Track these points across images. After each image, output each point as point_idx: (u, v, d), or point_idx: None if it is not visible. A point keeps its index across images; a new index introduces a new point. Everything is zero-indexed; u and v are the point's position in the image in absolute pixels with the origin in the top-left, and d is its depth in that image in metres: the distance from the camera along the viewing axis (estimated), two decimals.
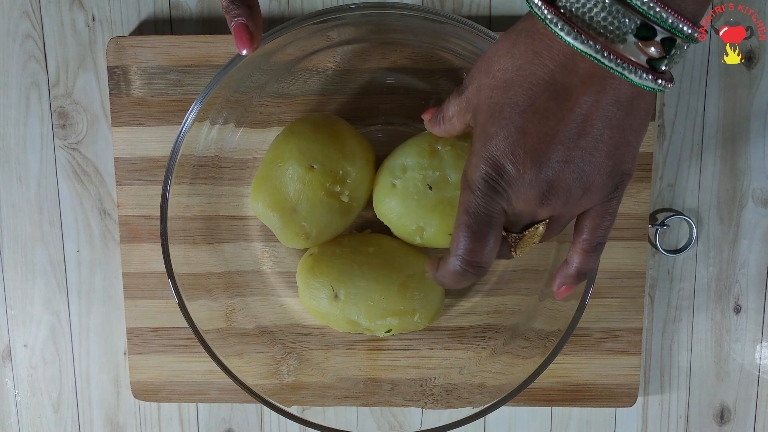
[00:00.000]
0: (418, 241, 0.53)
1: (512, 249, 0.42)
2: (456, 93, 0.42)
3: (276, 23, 0.57)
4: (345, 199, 0.52)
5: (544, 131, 0.37)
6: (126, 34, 0.58)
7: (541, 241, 0.42)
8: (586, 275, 0.43)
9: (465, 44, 0.51)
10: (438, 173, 0.51)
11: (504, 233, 0.41)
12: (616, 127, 0.37)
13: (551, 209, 0.39)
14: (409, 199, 0.51)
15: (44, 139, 0.59)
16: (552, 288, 0.44)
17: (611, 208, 0.40)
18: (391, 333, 0.54)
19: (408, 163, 0.51)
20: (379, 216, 0.53)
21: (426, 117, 0.46)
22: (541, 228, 0.41)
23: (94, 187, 0.59)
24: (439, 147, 0.51)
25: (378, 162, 0.54)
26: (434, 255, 0.57)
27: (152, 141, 0.57)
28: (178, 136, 0.50)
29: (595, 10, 0.34)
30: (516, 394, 0.51)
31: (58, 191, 0.59)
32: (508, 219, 0.40)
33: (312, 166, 0.51)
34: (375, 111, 0.56)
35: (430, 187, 0.51)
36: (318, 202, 0.51)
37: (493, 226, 0.39)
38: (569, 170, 0.37)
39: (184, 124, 0.50)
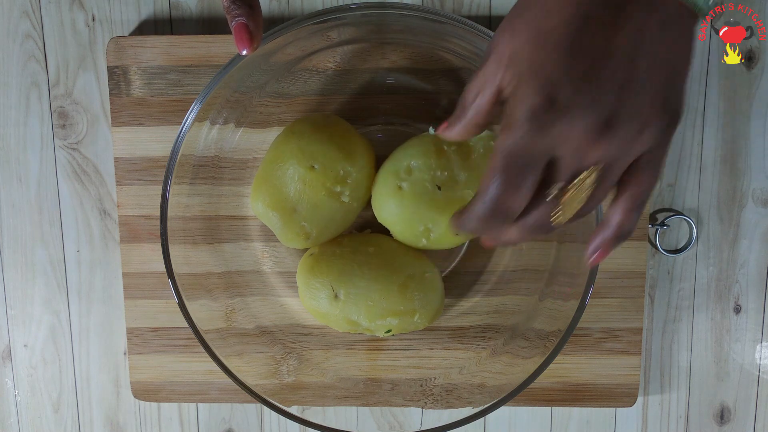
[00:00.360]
0: (423, 243, 0.53)
1: (556, 211, 0.37)
2: (477, 69, 0.37)
3: (276, 23, 0.57)
4: (345, 199, 0.52)
5: (602, 45, 0.33)
6: (126, 34, 0.58)
7: (585, 209, 0.37)
8: (625, 237, 0.38)
9: (465, 44, 0.51)
10: (446, 173, 0.51)
11: (551, 191, 0.36)
12: (666, 52, 0.34)
13: (604, 148, 0.34)
14: (418, 201, 0.51)
15: (44, 139, 0.59)
16: (585, 254, 0.39)
17: (657, 159, 0.36)
18: (391, 333, 0.54)
19: (414, 164, 0.51)
20: (380, 220, 0.53)
21: (442, 127, 0.40)
22: (592, 176, 0.35)
23: (94, 187, 0.59)
24: (445, 147, 0.51)
25: (378, 162, 0.54)
26: (435, 256, 0.57)
27: (152, 141, 0.57)
28: (178, 136, 0.50)
29: None
30: (516, 394, 0.51)
31: (58, 191, 0.59)
32: (554, 166, 0.35)
33: (313, 166, 0.51)
34: (375, 111, 0.56)
35: (439, 188, 0.51)
36: (318, 202, 0.51)
37: (531, 168, 0.35)
38: (627, 97, 0.34)
39: (184, 124, 0.50)
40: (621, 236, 0.38)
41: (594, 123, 0.34)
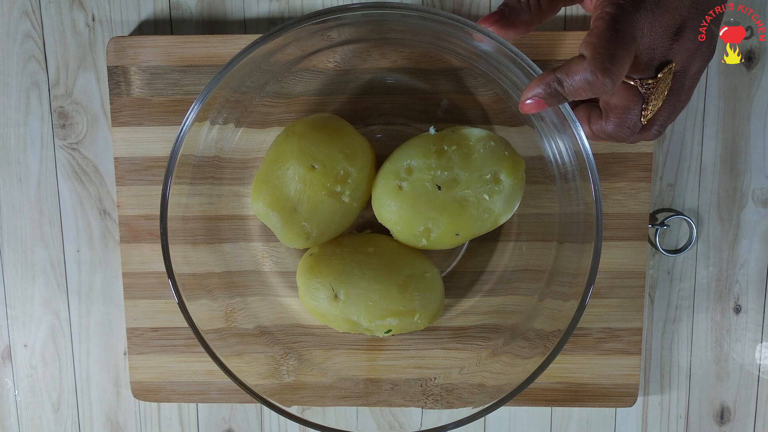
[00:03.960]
0: (423, 243, 0.53)
1: (643, 106, 0.43)
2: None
3: (276, 23, 0.57)
4: (346, 199, 0.52)
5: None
6: (126, 34, 0.58)
7: (659, 114, 0.44)
8: (615, 138, 0.45)
9: (465, 44, 0.51)
10: (447, 173, 0.51)
11: (637, 82, 0.42)
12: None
13: (679, 46, 0.41)
14: (418, 201, 0.51)
15: (44, 139, 0.59)
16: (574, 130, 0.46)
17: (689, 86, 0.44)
18: (390, 333, 0.54)
19: (414, 164, 0.51)
20: (381, 220, 0.53)
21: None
22: (668, 78, 0.42)
23: (94, 187, 0.59)
24: (446, 147, 0.51)
25: (378, 162, 0.54)
26: (435, 256, 0.57)
27: (152, 141, 0.57)
28: (178, 136, 0.50)
29: None
30: (516, 394, 0.51)
31: (58, 191, 0.59)
32: (640, 59, 0.41)
33: (313, 166, 0.51)
34: (375, 111, 0.56)
35: (439, 188, 0.51)
36: (319, 202, 0.51)
37: (630, 36, 0.40)
38: (693, 16, 0.41)
39: (184, 124, 0.50)
40: (615, 136, 0.46)
41: (670, 22, 0.41)
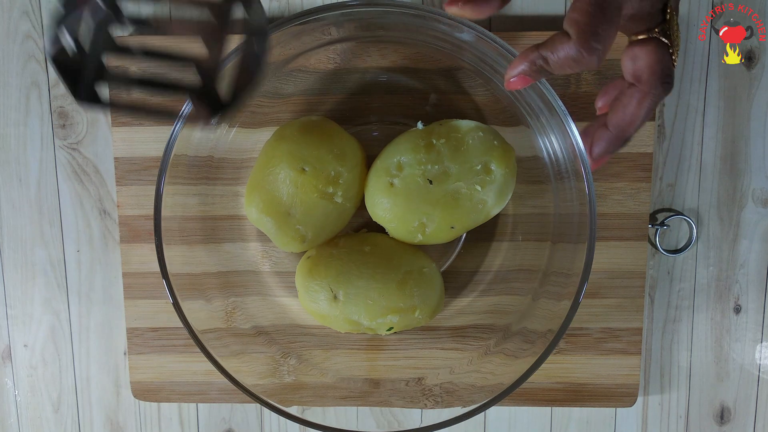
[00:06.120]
0: (419, 238, 0.53)
1: (670, 51, 0.41)
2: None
3: None
4: (338, 199, 0.52)
5: None
6: (126, 33, 0.58)
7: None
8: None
9: (462, 44, 0.51)
10: (437, 167, 0.51)
11: (654, 32, 0.41)
12: None
13: None
14: (411, 196, 0.51)
15: (44, 139, 0.59)
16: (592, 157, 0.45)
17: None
18: (392, 331, 0.54)
19: (404, 160, 0.51)
20: (375, 219, 0.53)
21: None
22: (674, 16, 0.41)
23: (94, 187, 0.59)
24: (434, 140, 0.51)
25: (369, 161, 0.54)
26: (431, 255, 0.57)
27: (152, 141, 0.57)
28: (171, 135, 0.50)
29: None
30: (512, 391, 0.51)
31: (58, 191, 0.60)
32: (644, 12, 0.40)
33: (303, 169, 0.51)
34: (370, 110, 0.56)
35: (431, 182, 0.51)
36: (312, 205, 0.51)
37: (615, 7, 0.39)
38: None
39: (177, 123, 0.50)
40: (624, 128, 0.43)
41: None
